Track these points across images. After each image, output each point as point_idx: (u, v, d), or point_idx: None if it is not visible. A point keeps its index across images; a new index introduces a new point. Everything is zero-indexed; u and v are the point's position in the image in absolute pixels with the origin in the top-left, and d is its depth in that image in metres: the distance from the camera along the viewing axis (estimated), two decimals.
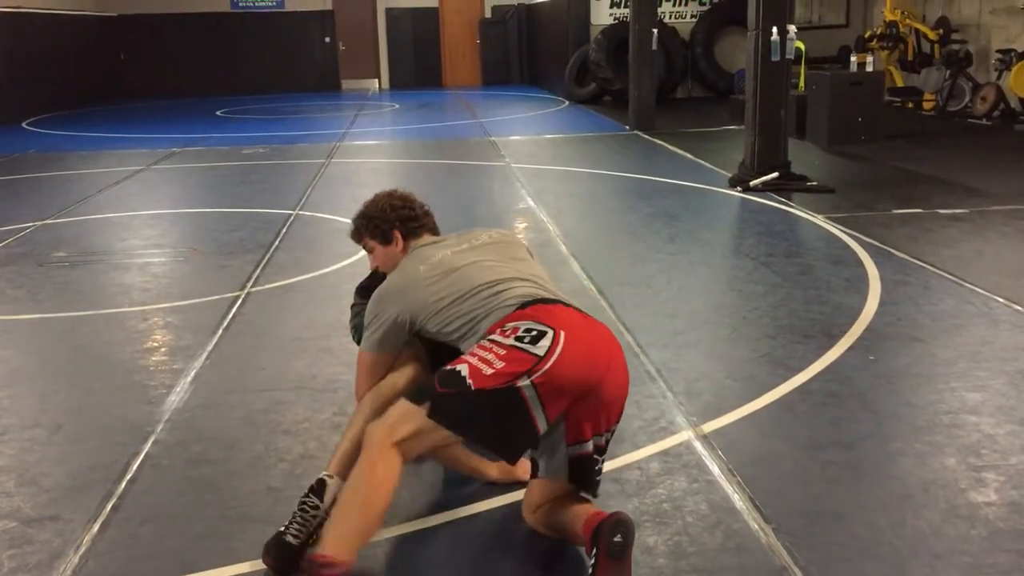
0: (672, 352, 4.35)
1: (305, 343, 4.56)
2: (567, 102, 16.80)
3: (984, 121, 11.90)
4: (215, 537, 2.90)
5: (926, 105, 12.98)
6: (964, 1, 13.50)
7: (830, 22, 16.80)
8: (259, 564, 2.71)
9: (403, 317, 2.85)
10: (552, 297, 2.79)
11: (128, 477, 3.29)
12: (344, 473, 2.78)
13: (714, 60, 16.84)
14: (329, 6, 21.57)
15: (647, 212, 7.47)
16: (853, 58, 11.56)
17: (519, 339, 2.53)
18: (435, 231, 3.27)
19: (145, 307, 5.32)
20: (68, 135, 14.05)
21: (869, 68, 11.17)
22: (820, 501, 3.02)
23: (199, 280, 5.94)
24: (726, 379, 4.06)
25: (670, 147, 10.97)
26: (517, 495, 3.01)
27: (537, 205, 7.85)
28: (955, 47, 12.73)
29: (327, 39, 21.77)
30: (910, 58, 13.66)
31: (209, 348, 4.58)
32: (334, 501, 2.74)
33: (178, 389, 4.08)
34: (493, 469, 3.10)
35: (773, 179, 8.18)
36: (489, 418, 2.49)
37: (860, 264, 5.69)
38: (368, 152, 11.65)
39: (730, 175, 8.61)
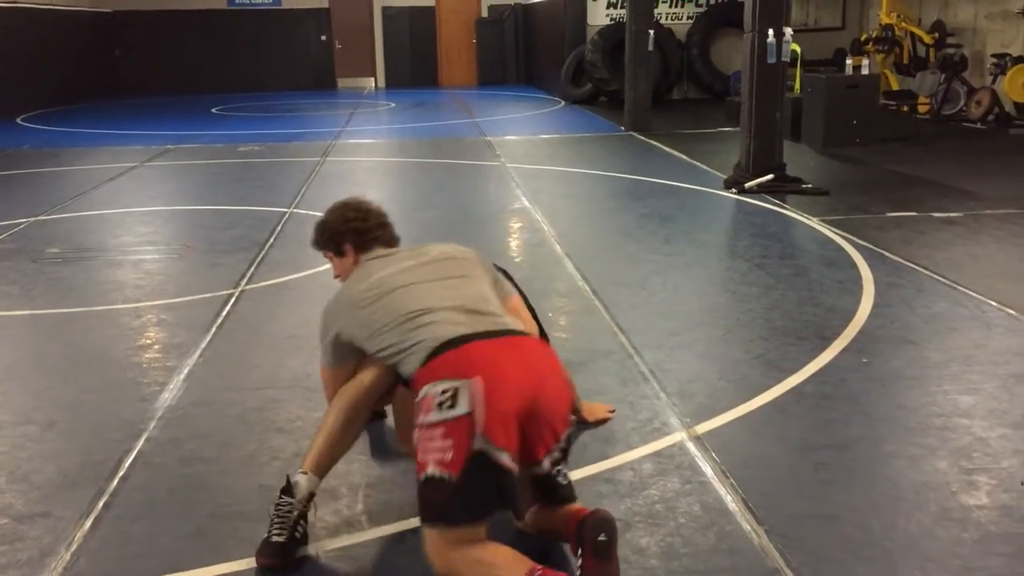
0: (666, 353, 4.36)
1: (299, 341, 4.55)
2: (563, 102, 16.80)
3: (979, 125, 11.93)
4: (208, 535, 2.90)
5: (921, 108, 13.01)
6: (960, 5, 13.53)
7: (826, 25, 16.83)
8: (251, 562, 2.71)
9: (344, 337, 2.87)
10: (469, 332, 2.63)
11: (120, 474, 3.29)
12: (318, 469, 2.83)
13: (710, 62, 16.86)
14: (325, 4, 21.54)
15: (642, 213, 7.48)
16: (849, 61, 11.59)
17: (440, 408, 2.45)
18: (390, 242, 3.19)
19: (139, 304, 5.31)
20: (63, 131, 14.02)
21: (864, 71, 11.21)
22: (813, 503, 3.02)
23: (193, 277, 5.93)
24: (719, 380, 4.07)
25: (665, 148, 10.98)
26: None
27: (532, 205, 7.85)
28: (950, 51, 12.77)
29: (323, 37, 21.74)
30: (905, 61, 13.70)
31: (203, 346, 4.58)
32: (311, 495, 2.79)
33: (171, 386, 4.07)
34: None
35: (768, 181, 8.20)
36: (487, 489, 2.43)
37: (854, 266, 5.71)
38: (363, 151, 11.64)
39: (725, 177, 8.62)
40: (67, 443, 3.57)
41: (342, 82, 22.06)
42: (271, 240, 6.70)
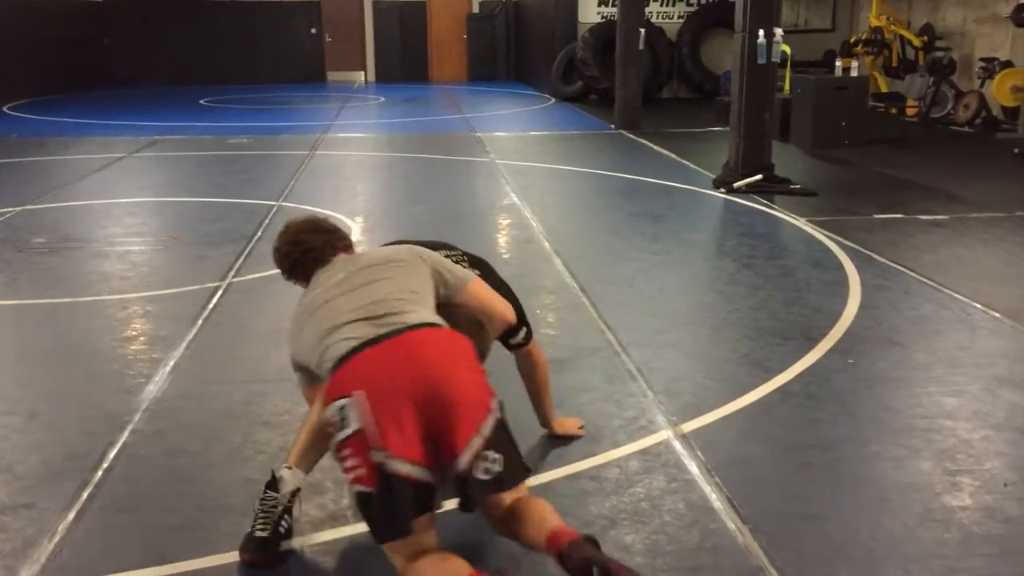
0: (653, 351, 4.37)
1: (286, 335, 4.51)
2: (553, 99, 16.80)
3: (966, 128, 11.99)
4: (192, 528, 2.89)
5: (909, 111, 13.06)
6: (949, 9, 13.59)
7: (816, 26, 16.88)
8: (234, 556, 2.71)
9: (298, 359, 2.82)
10: (358, 344, 2.50)
11: (104, 466, 3.27)
12: (303, 464, 2.82)
13: (700, 61, 16.89)
14: None
15: (631, 211, 7.49)
16: (838, 63, 11.62)
17: (338, 429, 2.41)
18: (336, 253, 2.95)
19: (124, 295, 5.29)
20: (50, 120, 13.93)
21: (854, 73, 11.24)
22: (797, 502, 3.03)
23: (180, 269, 5.90)
24: (706, 379, 4.08)
25: (655, 147, 11.00)
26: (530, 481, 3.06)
27: (521, 202, 7.85)
28: (939, 54, 12.82)
29: (313, 30, 21.67)
30: (894, 64, 13.75)
31: (189, 338, 4.56)
32: (296, 490, 2.78)
33: (157, 379, 4.05)
34: None
35: (756, 181, 8.22)
36: (401, 500, 2.35)
37: (841, 268, 5.73)
38: (353, 145, 11.61)
39: (714, 176, 8.64)
40: (51, 434, 3.55)
41: (332, 75, 22.00)
42: (259, 233, 6.67)
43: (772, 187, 8.20)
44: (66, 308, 5.09)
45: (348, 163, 10.29)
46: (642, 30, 12.32)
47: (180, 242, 6.50)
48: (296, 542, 2.78)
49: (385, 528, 2.40)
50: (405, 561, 2.41)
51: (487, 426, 2.40)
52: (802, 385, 3.96)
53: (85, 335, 4.67)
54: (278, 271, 3.06)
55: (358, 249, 3.09)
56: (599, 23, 16.29)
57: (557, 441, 3.43)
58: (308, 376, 2.82)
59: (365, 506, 2.38)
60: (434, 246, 3.16)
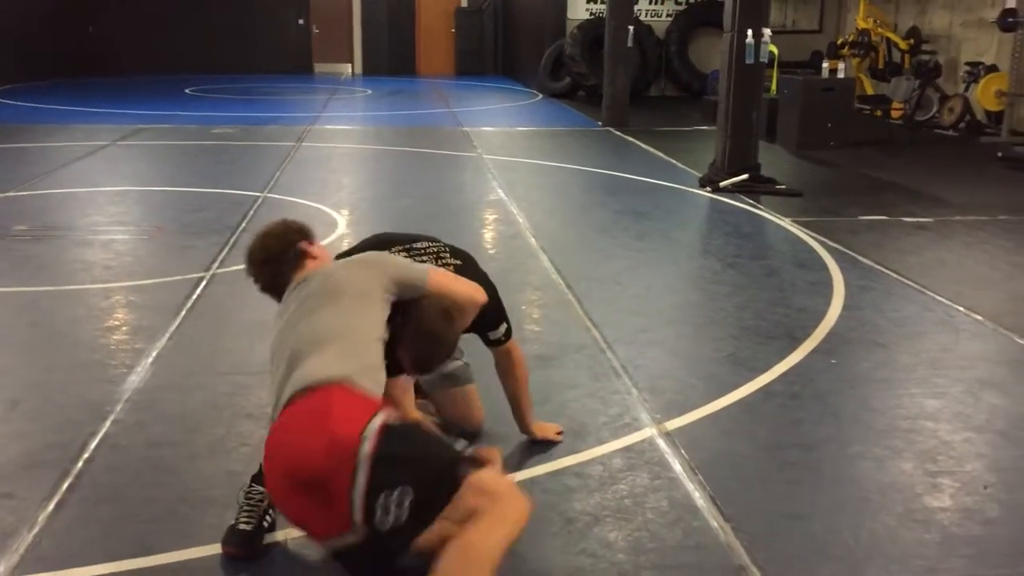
0: (638, 349, 4.37)
1: (270, 327, 4.51)
2: (541, 95, 16.79)
3: (950, 132, 12.06)
4: (174, 519, 2.87)
5: (894, 114, 13.13)
6: (935, 13, 13.67)
7: (803, 27, 16.93)
8: (217, 548, 2.69)
9: None
10: (284, 400, 2.42)
11: (85, 456, 3.25)
12: None
13: (688, 60, 16.91)
14: None
15: (617, 209, 7.50)
16: (825, 64, 11.66)
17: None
18: (293, 270, 2.85)
19: (107, 285, 5.25)
20: (33, 107, 13.81)
21: (840, 75, 11.28)
22: (779, 501, 3.05)
23: (163, 259, 5.87)
24: (690, 377, 4.09)
25: (642, 145, 11.01)
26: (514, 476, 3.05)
27: (508, 197, 7.84)
28: (925, 58, 12.90)
29: (301, 21, 21.56)
30: (880, 66, 13.81)
31: (172, 329, 4.53)
32: None
33: (139, 369, 4.03)
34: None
35: (742, 181, 8.24)
36: (362, 552, 2.28)
37: (825, 268, 5.75)
38: (339, 137, 11.56)
39: (700, 175, 8.66)
40: (31, 423, 3.52)
41: (319, 67, 21.90)
42: (243, 224, 6.64)
43: (758, 187, 8.22)
44: (48, 296, 5.05)
45: (334, 155, 10.25)
46: (631, 27, 12.32)
47: (164, 232, 6.46)
48: (280, 535, 2.77)
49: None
50: None
51: (359, 482, 2.15)
52: (785, 385, 3.98)
53: (67, 324, 4.64)
54: None
55: (346, 243, 3.08)
56: (588, 19, 16.29)
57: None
58: None
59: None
60: (416, 238, 3.14)
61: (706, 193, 8.18)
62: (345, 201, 7.71)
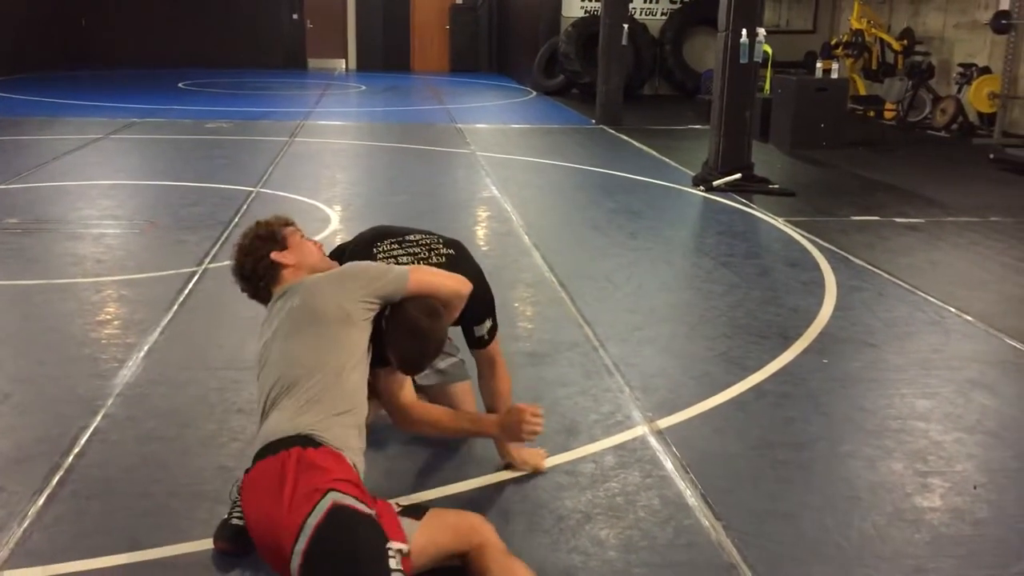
0: (630, 347, 4.38)
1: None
2: (535, 93, 16.79)
3: (943, 133, 12.10)
4: (164, 514, 2.87)
5: (887, 114, 13.16)
6: (929, 14, 13.70)
7: (797, 27, 16.96)
8: (208, 543, 2.69)
9: None
10: (257, 445, 2.50)
11: (76, 451, 3.24)
12: None
13: (682, 59, 16.92)
14: None
15: (610, 207, 7.50)
16: (819, 64, 11.69)
17: None
18: (269, 295, 2.87)
19: (99, 279, 5.23)
20: (25, 99, 13.75)
21: (834, 75, 11.30)
22: (770, 500, 3.06)
23: (155, 254, 5.85)
24: (682, 376, 4.10)
25: (635, 143, 11.02)
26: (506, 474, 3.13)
27: (501, 195, 7.84)
28: (918, 59, 12.93)
29: (295, 16, 21.51)
30: (874, 67, 13.85)
31: (164, 323, 4.52)
32: None
33: (130, 364, 4.02)
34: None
35: (736, 180, 8.26)
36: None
37: (817, 268, 5.77)
38: (333, 133, 11.54)
39: (693, 174, 8.67)
40: (22, 417, 3.51)
41: (313, 62, 21.85)
42: (236, 219, 6.62)
43: (751, 186, 8.24)
44: (39, 290, 5.03)
45: (328, 151, 10.23)
46: (625, 26, 12.33)
47: (156, 226, 6.44)
48: None
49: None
50: None
51: (294, 566, 2.26)
52: (777, 384, 3.99)
53: (58, 318, 4.62)
54: None
55: (339, 239, 3.07)
56: (582, 17, 16.28)
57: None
58: None
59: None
60: (409, 231, 3.11)
61: (699, 192, 8.19)
62: (338, 197, 7.70)
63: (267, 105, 14.25)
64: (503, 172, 8.94)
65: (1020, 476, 3.25)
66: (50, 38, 18.83)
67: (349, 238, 3.39)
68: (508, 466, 3.18)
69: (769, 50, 11.08)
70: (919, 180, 8.87)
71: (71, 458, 3.19)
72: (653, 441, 3.44)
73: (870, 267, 5.79)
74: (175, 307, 4.75)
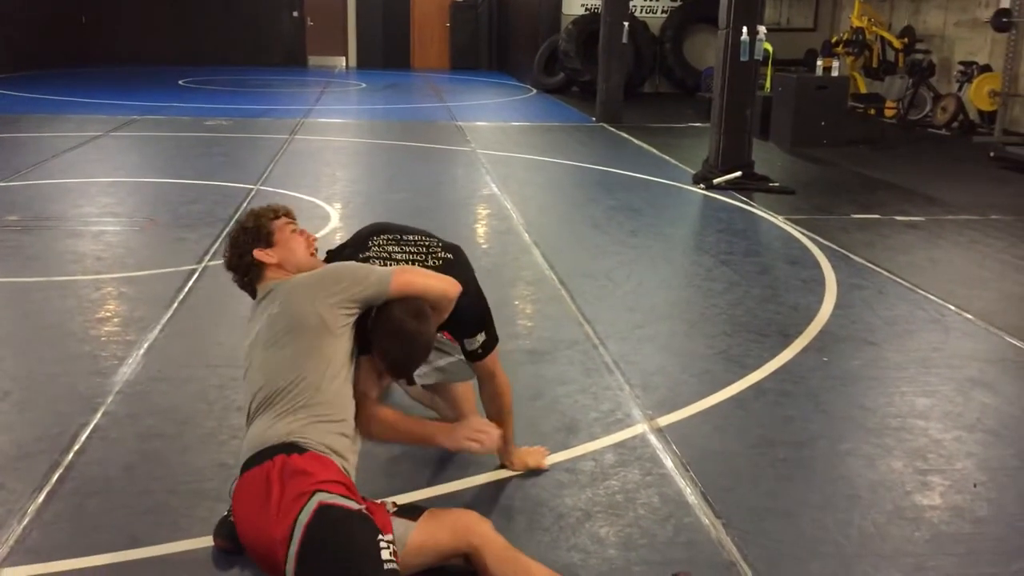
0: (630, 345, 4.38)
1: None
2: (535, 90, 16.78)
3: (943, 131, 12.09)
4: (164, 512, 2.87)
5: (887, 112, 13.15)
6: (930, 12, 13.69)
7: (798, 25, 16.94)
8: (208, 541, 2.69)
9: None
10: (243, 455, 2.51)
11: (76, 448, 3.24)
12: None
13: (683, 57, 16.91)
14: None
15: (610, 205, 7.50)
16: (819, 62, 11.68)
17: None
18: (258, 278, 2.81)
19: (99, 276, 5.23)
20: (25, 96, 13.74)
21: (834, 73, 11.30)
22: (770, 498, 3.06)
23: (155, 251, 5.85)
24: (682, 374, 4.10)
25: (635, 141, 11.01)
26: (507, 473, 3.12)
27: (501, 192, 7.84)
28: (919, 57, 12.92)
29: (295, 13, 21.49)
30: (874, 65, 13.83)
31: (163, 321, 4.52)
32: None
33: (130, 361, 4.02)
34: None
35: (736, 178, 8.25)
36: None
37: (817, 266, 5.77)
38: (333, 130, 11.54)
39: (694, 172, 8.66)
40: (22, 415, 3.51)
41: (313, 60, 21.84)
42: (236, 217, 6.62)
43: (751, 184, 8.23)
44: (39, 287, 5.03)
45: (328, 148, 10.22)
46: (626, 23, 12.31)
47: (156, 224, 6.44)
48: None
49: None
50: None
51: (291, 554, 2.27)
52: (777, 382, 3.98)
53: (58, 315, 4.62)
54: None
55: (338, 237, 3.03)
56: (582, 15, 16.27)
57: (533, 431, 3.42)
58: None
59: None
60: (408, 230, 3.03)
61: (699, 190, 8.19)
62: (338, 195, 7.70)
63: (267, 103, 14.24)
64: (503, 170, 8.94)
65: (1020, 474, 3.25)
66: (50, 36, 18.80)
67: (348, 236, 3.37)
68: (503, 466, 3.17)
69: (770, 48, 11.07)
70: (919, 178, 8.86)
71: (71, 455, 3.19)
72: (653, 439, 3.44)
73: (870, 265, 5.79)
74: (175, 304, 4.75)
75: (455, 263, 2.92)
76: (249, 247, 2.79)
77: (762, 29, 8.14)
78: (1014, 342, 4.52)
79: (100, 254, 5.68)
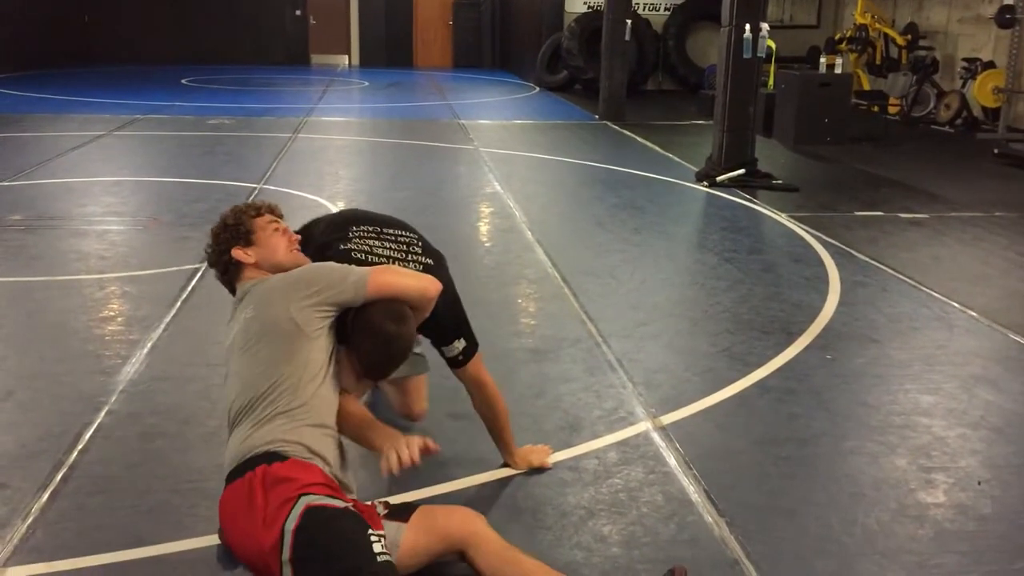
0: (633, 343, 4.37)
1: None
2: (537, 88, 16.77)
3: (947, 128, 12.07)
4: (166, 511, 2.87)
5: (891, 109, 13.13)
6: (933, 8, 13.66)
7: (801, 22, 16.92)
8: (210, 540, 2.69)
9: None
10: (227, 466, 2.48)
11: (79, 447, 3.24)
12: None
13: (685, 54, 16.90)
14: None
15: (613, 203, 7.49)
16: (822, 59, 11.66)
17: None
18: (233, 285, 2.80)
19: (102, 275, 5.23)
20: (28, 96, 13.76)
21: (838, 70, 11.28)
22: (773, 496, 3.05)
23: (159, 250, 5.85)
24: (685, 372, 4.09)
25: (638, 139, 11.00)
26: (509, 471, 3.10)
27: (504, 190, 7.83)
28: (922, 53, 12.89)
29: (298, 12, 21.50)
30: (878, 62, 13.81)
31: (167, 320, 4.52)
32: None
33: (133, 360, 4.02)
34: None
35: (739, 176, 8.24)
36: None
37: (821, 264, 5.76)
38: (336, 129, 11.54)
39: (697, 170, 8.65)
40: (25, 414, 3.51)
41: (316, 58, 21.85)
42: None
43: (754, 182, 8.22)
44: (42, 287, 5.04)
45: (331, 147, 10.22)
46: (628, 21, 12.30)
47: (160, 223, 6.45)
48: None
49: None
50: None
51: (284, 560, 2.24)
52: (780, 380, 3.98)
53: (61, 314, 4.62)
54: None
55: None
56: (585, 13, 16.26)
57: (536, 430, 3.42)
58: None
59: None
60: (389, 223, 2.99)
61: (703, 188, 8.18)
62: (341, 193, 7.70)
63: (270, 101, 14.25)
64: (506, 168, 8.93)
65: None
66: (53, 35, 18.83)
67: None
68: (506, 465, 3.17)
69: (773, 45, 11.06)
70: (923, 175, 8.84)
71: (74, 455, 3.19)
72: (656, 437, 3.43)
73: (874, 262, 5.78)
74: (178, 304, 4.75)
75: (436, 268, 2.87)
76: (228, 245, 2.75)
77: (765, 26, 8.13)
78: (1018, 339, 4.51)
79: (103, 253, 5.68)
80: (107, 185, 7.73)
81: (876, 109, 13.31)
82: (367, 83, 17.98)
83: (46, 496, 2.92)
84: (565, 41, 15.69)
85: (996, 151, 9.92)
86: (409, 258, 2.86)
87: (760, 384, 3.93)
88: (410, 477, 3.10)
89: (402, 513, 2.50)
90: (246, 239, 2.75)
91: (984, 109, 12.13)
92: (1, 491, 2.94)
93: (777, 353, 4.26)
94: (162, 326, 4.43)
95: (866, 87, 13.89)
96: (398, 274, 2.67)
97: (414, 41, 22.37)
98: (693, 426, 3.54)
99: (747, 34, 8.06)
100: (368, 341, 2.57)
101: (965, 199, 7.78)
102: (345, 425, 2.62)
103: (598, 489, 3.05)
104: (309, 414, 2.46)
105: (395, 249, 2.86)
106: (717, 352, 4.30)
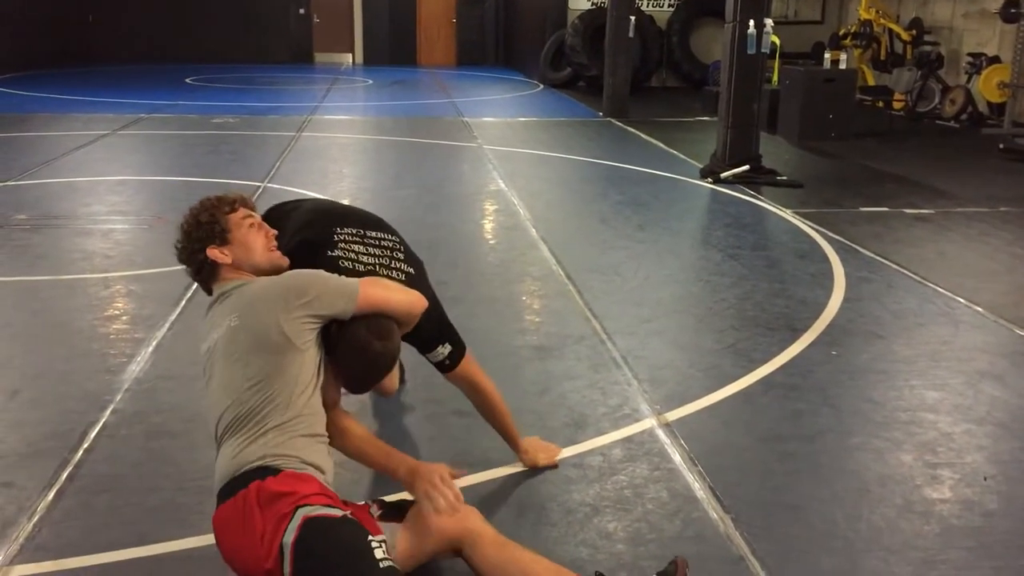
0: (638, 340, 4.37)
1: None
2: (541, 86, 16.76)
3: (952, 123, 12.03)
4: (172, 509, 2.88)
5: (896, 105, 13.10)
6: (938, 3, 13.62)
7: (805, 18, 16.87)
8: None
9: None
10: (216, 485, 2.38)
11: (85, 446, 3.25)
12: None
13: (689, 50, 16.86)
14: None
15: (617, 199, 7.48)
16: (827, 55, 11.63)
17: None
18: (209, 286, 2.71)
19: (107, 274, 5.24)
20: (33, 96, 13.78)
21: (842, 66, 11.25)
22: (779, 492, 3.05)
23: (163, 249, 5.82)
24: (690, 368, 4.09)
25: (642, 135, 10.99)
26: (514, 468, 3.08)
27: (508, 188, 7.83)
28: (927, 48, 12.85)
29: (302, 10, 21.50)
30: (882, 58, 13.78)
31: (172, 318, 4.53)
32: None
33: (138, 359, 4.03)
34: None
35: (743, 172, 8.23)
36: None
37: (826, 260, 5.75)
38: (340, 127, 11.54)
39: (701, 166, 8.64)
40: (31, 413, 3.52)
41: (319, 57, 21.84)
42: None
43: (759, 178, 8.21)
44: (47, 286, 5.05)
45: (335, 145, 10.23)
46: (632, 18, 12.29)
47: (164, 221, 6.45)
48: None
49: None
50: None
51: (286, 574, 2.19)
52: (786, 376, 3.97)
53: (67, 313, 4.63)
54: None
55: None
56: (589, 9, 16.24)
57: (541, 427, 3.43)
58: None
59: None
60: (371, 224, 2.95)
61: (707, 184, 8.17)
62: (346, 191, 7.70)
63: (274, 100, 14.25)
64: (510, 165, 8.93)
65: None
66: (57, 35, 18.86)
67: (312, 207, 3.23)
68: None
69: (777, 41, 11.03)
70: (928, 170, 8.82)
71: (80, 453, 3.20)
72: (661, 434, 3.43)
73: (879, 258, 5.77)
74: (183, 302, 4.76)
75: (416, 278, 2.83)
76: (203, 244, 2.63)
77: (769, 22, 8.11)
78: None
79: (108, 252, 5.69)
80: (111, 184, 7.74)
81: (881, 105, 13.28)
82: (371, 81, 17.98)
83: (52, 494, 2.93)
84: (569, 38, 15.67)
85: (1001, 146, 9.89)
86: (392, 265, 2.79)
87: (765, 380, 3.92)
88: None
89: (395, 513, 2.48)
90: (221, 238, 2.63)
91: (989, 104, 12.10)
92: (7, 489, 2.95)
93: (782, 349, 4.25)
94: (167, 325, 4.44)
95: (871, 83, 13.85)
96: (387, 288, 2.60)
97: (418, 39, 22.36)
98: (698, 422, 3.54)
99: (751, 30, 8.04)
100: (352, 356, 2.52)
101: (970, 194, 7.76)
102: (343, 442, 2.60)
103: (603, 486, 3.05)
104: (301, 424, 2.39)
105: (379, 255, 2.80)
106: (722, 348, 4.29)
